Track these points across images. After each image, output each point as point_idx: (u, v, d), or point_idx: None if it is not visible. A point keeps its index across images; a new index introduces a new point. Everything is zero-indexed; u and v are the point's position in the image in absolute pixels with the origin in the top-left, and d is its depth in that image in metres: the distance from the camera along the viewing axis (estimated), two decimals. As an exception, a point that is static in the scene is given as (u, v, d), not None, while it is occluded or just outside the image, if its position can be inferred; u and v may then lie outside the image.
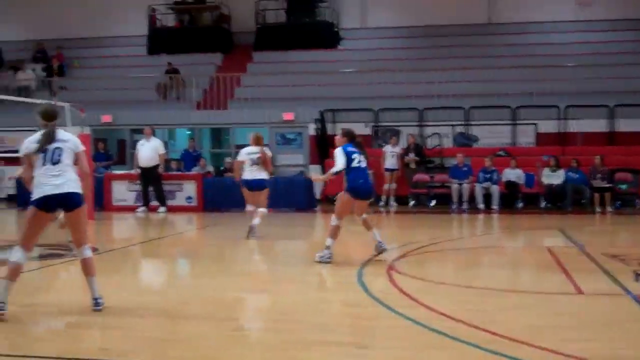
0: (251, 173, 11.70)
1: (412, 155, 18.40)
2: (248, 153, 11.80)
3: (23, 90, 22.98)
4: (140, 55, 25.70)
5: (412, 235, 12.37)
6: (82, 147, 6.36)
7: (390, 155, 18.28)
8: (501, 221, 15.53)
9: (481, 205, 17.15)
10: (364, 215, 9.20)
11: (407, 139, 19.02)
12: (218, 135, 24.36)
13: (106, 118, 21.22)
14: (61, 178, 6.09)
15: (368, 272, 8.24)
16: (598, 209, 16.50)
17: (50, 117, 6.28)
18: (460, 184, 17.33)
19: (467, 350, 5.01)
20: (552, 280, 7.91)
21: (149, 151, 17.05)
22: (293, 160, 19.69)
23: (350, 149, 8.93)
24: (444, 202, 17.70)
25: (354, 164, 8.86)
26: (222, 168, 19.29)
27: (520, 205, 17.28)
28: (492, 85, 20.61)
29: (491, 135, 19.74)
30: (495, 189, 17.16)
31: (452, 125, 19.92)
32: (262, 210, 11.72)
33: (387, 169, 18.18)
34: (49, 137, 6.19)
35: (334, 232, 8.87)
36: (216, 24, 26.30)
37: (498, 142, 19.51)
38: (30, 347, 5.41)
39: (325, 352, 5.09)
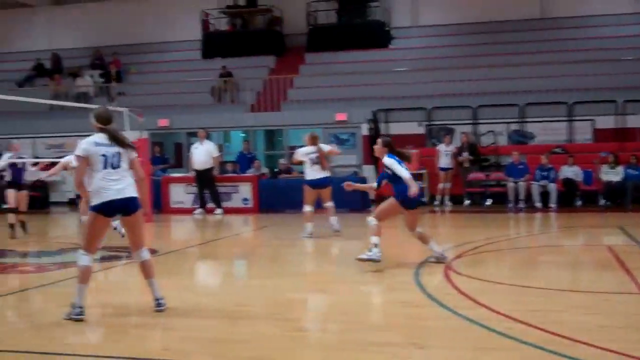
0: (313, 172, 11.91)
1: (465, 154, 18.22)
2: (307, 153, 11.95)
3: (82, 97, 23.51)
4: (194, 60, 26.01)
5: (468, 235, 12.22)
6: (135, 154, 6.46)
7: (445, 154, 18.13)
8: (559, 220, 15.26)
9: (538, 204, 16.89)
10: (419, 230, 8.96)
11: (460, 137, 18.86)
12: (272, 137, 24.58)
13: (163, 122, 21.67)
14: (122, 183, 6.21)
15: (425, 273, 8.24)
16: (659, 206, 16.14)
17: (106, 120, 6.33)
18: (516, 182, 17.11)
19: (527, 351, 4.98)
20: (613, 280, 7.77)
21: (202, 154, 17.29)
22: (346, 160, 19.66)
23: (398, 159, 8.80)
24: (500, 201, 17.50)
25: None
26: (276, 170, 19.46)
27: (579, 203, 16.96)
28: (546, 81, 20.26)
29: (547, 132, 19.38)
30: (552, 187, 16.89)
31: (507, 123, 19.64)
32: (330, 204, 12.05)
33: (441, 168, 18.05)
34: (118, 141, 6.28)
35: (378, 231, 8.70)
36: (268, 27, 26.47)
37: (554, 139, 19.12)
38: (100, 347, 5.61)
39: (384, 352, 5.10)
